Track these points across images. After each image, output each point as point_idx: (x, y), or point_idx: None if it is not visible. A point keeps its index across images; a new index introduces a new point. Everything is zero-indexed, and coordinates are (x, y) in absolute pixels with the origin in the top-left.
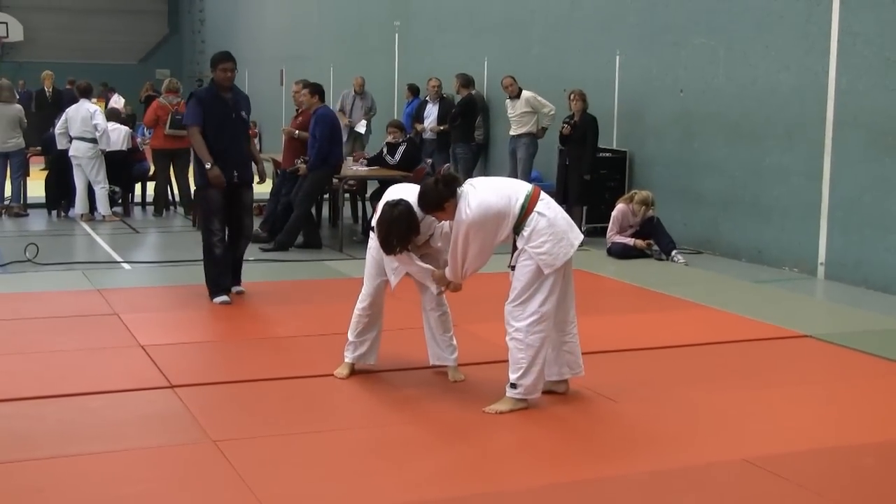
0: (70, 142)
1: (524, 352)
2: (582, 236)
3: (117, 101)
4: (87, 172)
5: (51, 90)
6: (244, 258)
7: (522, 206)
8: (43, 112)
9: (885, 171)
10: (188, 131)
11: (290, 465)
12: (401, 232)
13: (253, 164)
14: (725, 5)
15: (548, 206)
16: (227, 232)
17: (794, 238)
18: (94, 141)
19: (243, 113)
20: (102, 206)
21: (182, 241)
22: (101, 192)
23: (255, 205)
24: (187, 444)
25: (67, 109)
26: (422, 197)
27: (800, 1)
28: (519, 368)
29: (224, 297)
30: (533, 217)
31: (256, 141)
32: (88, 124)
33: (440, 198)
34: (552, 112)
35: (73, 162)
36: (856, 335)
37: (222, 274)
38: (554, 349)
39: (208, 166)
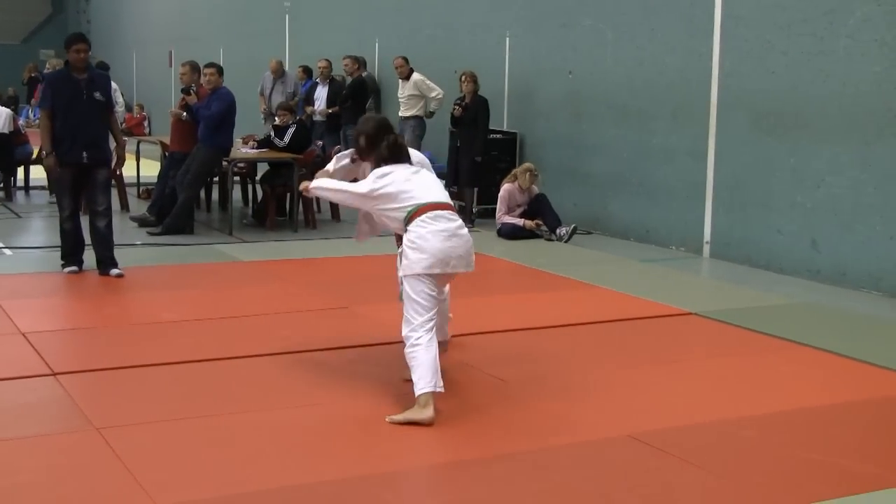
0: None
1: (413, 364)
2: (456, 269)
3: None
4: None
5: None
6: (133, 242)
7: (411, 210)
8: None
9: (767, 151)
10: (39, 115)
11: (175, 451)
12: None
13: (113, 144)
14: None
15: (435, 221)
16: (78, 209)
17: (681, 217)
18: None
19: (97, 94)
20: None
21: None
22: None
23: (143, 188)
24: (69, 433)
25: None
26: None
27: None
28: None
29: (73, 268)
30: (413, 224)
31: (145, 124)
32: None
33: (371, 144)
34: (440, 96)
35: None
36: (738, 312)
37: (73, 248)
38: None
39: (45, 154)
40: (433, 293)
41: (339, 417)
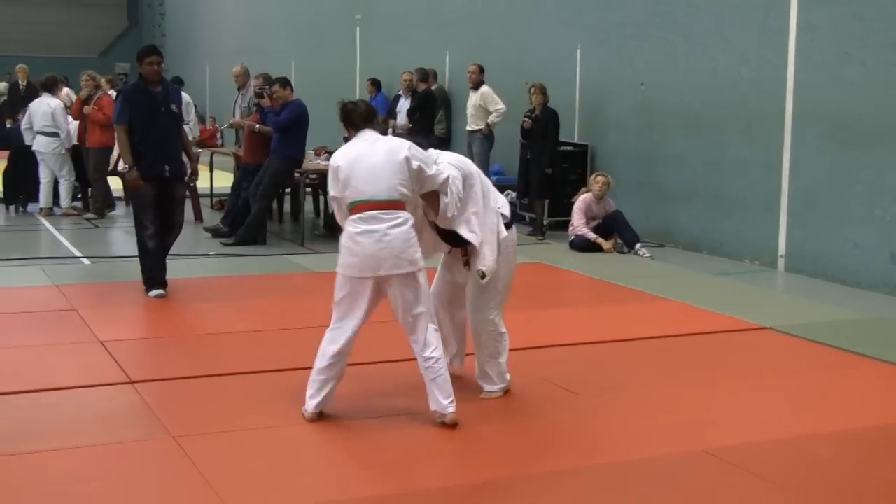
0: (35, 137)
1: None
2: (389, 272)
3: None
4: (52, 166)
5: (24, 83)
6: (207, 253)
7: (350, 205)
8: (15, 107)
9: (843, 163)
10: (115, 130)
11: (250, 460)
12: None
13: (186, 159)
14: None
15: (368, 222)
16: (161, 226)
17: (755, 231)
18: (56, 135)
19: (173, 106)
20: (65, 199)
21: None
22: (66, 185)
23: (216, 200)
24: (146, 440)
25: (30, 104)
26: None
27: None
28: None
29: (159, 291)
30: (349, 222)
31: (218, 136)
32: (49, 119)
33: (343, 118)
34: (502, 110)
35: (38, 157)
36: (814, 326)
37: (156, 267)
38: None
39: (127, 167)
40: (355, 298)
41: (408, 429)
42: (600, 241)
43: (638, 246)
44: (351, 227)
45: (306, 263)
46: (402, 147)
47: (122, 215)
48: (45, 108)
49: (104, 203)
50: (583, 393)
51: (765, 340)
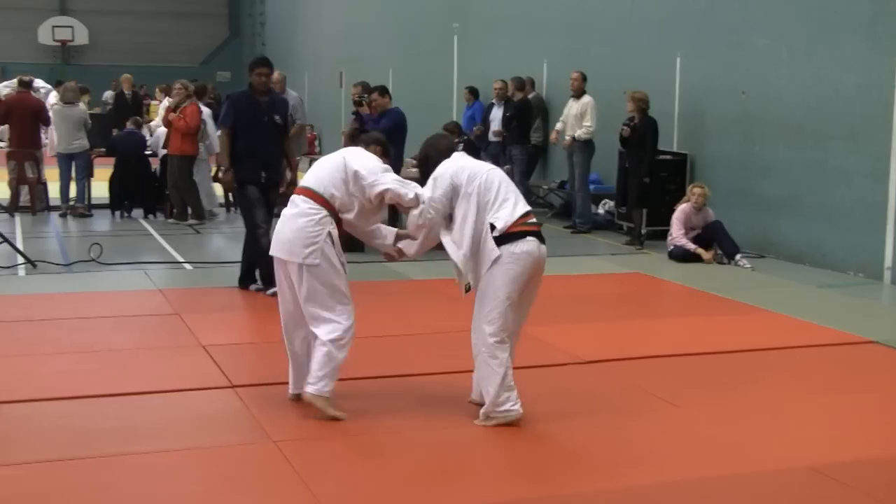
0: None
1: None
2: (282, 254)
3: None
4: (195, 173)
5: (130, 93)
6: None
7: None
8: (121, 114)
9: None
10: (220, 132)
11: (350, 465)
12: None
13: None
14: (788, 5)
15: (289, 205)
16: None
17: (859, 242)
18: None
19: (277, 117)
20: (211, 202)
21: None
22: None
23: None
24: (247, 444)
25: None
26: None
27: (865, 0)
28: None
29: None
30: None
31: (316, 143)
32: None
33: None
34: (592, 129)
35: None
36: None
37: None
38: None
39: (223, 170)
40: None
41: (505, 437)
42: (700, 251)
43: (738, 257)
44: None
45: (404, 271)
46: (351, 151)
47: (222, 221)
48: None
49: (199, 208)
50: (682, 405)
51: (870, 354)
